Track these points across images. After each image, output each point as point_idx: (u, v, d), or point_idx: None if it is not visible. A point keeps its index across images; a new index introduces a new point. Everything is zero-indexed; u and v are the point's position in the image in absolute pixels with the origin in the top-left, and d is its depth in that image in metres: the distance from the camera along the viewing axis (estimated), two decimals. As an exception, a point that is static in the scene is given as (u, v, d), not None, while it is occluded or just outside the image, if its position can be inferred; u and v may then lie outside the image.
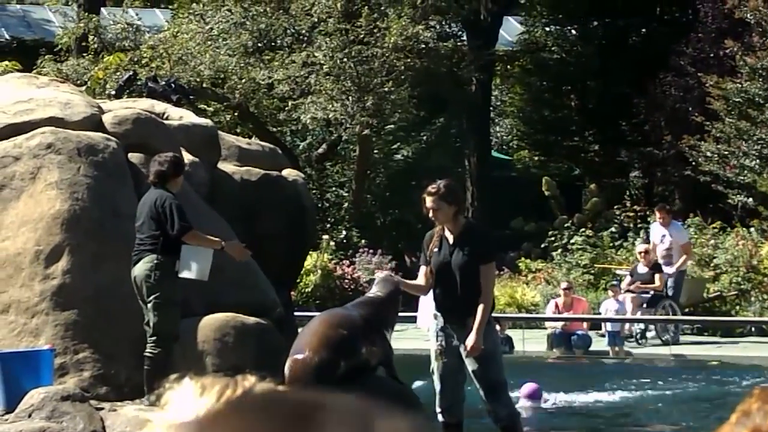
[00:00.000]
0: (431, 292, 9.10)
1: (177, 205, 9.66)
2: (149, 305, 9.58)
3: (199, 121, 13.52)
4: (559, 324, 18.58)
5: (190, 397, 1.55)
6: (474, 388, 8.90)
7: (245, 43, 25.76)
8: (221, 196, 12.51)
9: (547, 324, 18.98)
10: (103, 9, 30.07)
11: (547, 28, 31.39)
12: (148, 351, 9.54)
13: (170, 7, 32.24)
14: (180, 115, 13.22)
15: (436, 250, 8.93)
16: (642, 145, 28.19)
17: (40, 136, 11.26)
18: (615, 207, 24.95)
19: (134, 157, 11.63)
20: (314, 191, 25.77)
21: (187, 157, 12.34)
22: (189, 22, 26.29)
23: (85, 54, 25.95)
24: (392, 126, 29.41)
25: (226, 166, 13.33)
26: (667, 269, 18.86)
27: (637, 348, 18.49)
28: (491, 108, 33.23)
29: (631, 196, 27.11)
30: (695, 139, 24.17)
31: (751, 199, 23.65)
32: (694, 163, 24.51)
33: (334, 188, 29.34)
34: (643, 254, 19.00)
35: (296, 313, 14.28)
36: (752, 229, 22.45)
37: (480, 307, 8.66)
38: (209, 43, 25.61)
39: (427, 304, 9.38)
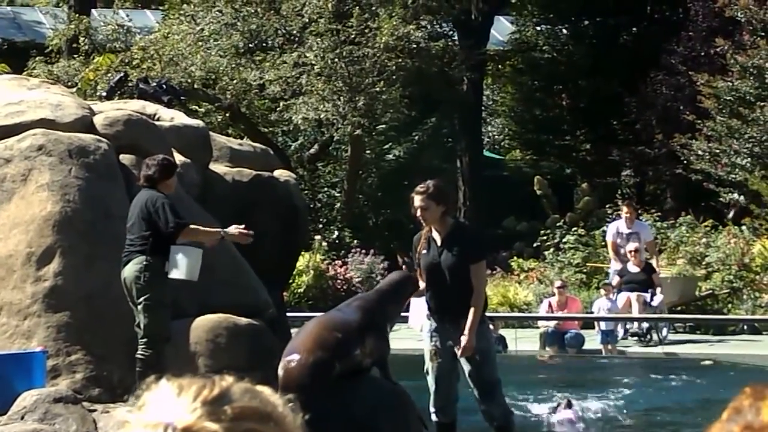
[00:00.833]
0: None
1: (169, 203, 9.63)
2: (139, 307, 9.55)
3: (191, 122, 13.51)
4: (552, 323, 18.58)
5: (167, 397, 1.54)
6: (468, 388, 8.90)
7: (236, 43, 25.76)
8: (213, 196, 12.49)
9: (540, 323, 18.98)
10: (93, 10, 30.05)
11: (538, 28, 31.42)
12: (140, 353, 9.52)
13: (161, 8, 32.23)
14: (171, 116, 13.21)
15: (424, 251, 8.93)
16: (633, 143, 28.22)
17: (31, 138, 11.24)
18: (607, 206, 24.96)
19: (125, 158, 11.61)
20: (306, 192, 25.76)
21: (179, 158, 12.33)
22: (180, 23, 26.29)
23: (75, 55, 25.94)
24: (384, 126, 29.41)
25: (218, 167, 13.31)
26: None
27: (630, 347, 18.51)
28: (483, 107, 33.25)
29: (623, 194, 27.14)
30: (687, 138, 24.19)
31: (742, 198, 23.67)
32: (685, 162, 24.53)
33: (326, 188, 29.33)
34: (633, 253, 19.00)
35: (289, 314, 14.27)
36: (744, 227, 22.48)
37: (472, 308, 8.66)
38: (200, 44, 25.60)
39: (418, 304, 9.37)
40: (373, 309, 8.77)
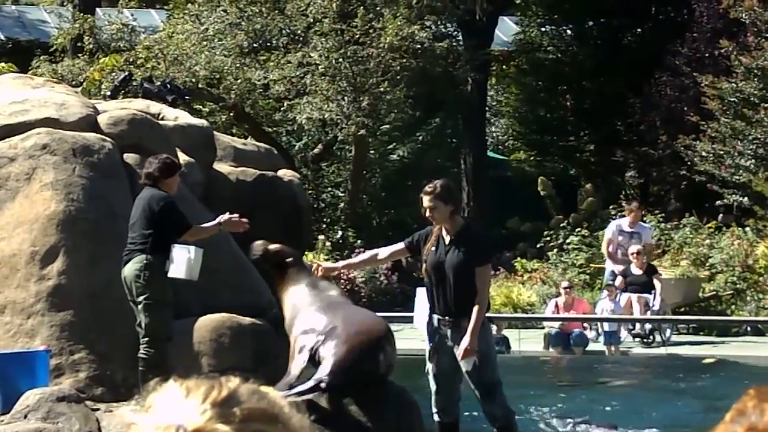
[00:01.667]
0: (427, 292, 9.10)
1: (172, 204, 9.61)
2: (140, 306, 9.52)
3: (195, 121, 13.52)
4: (557, 323, 18.58)
5: (175, 399, 1.54)
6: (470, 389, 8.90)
7: (241, 43, 25.76)
8: (217, 196, 12.50)
9: (546, 324, 18.96)
10: (98, 9, 30.07)
11: (543, 28, 31.39)
12: (142, 352, 9.50)
13: (165, 7, 32.22)
14: (175, 116, 13.22)
15: (432, 249, 8.93)
16: (637, 144, 28.19)
17: (35, 137, 11.26)
18: (611, 207, 24.92)
19: (129, 157, 11.63)
20: (310, 191, 25.76)
21: (183, 158, 12.34)
22: (184, 23, 26.29)
23: (80, 55, 25.95)
24: (388, 126, 29.40)
25: (222, 167, 13.33)
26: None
27: (633, 348, 18.51)
28: (487, 108, 33.22)
29: (627, 195, 27.11)
30: (690, 139, 24.18)
31: (746, 199, 23.66)
32: (689, 163, 24.52)
33: (329, 188, 29.33)
34: (636, 255, 19.00)
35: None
36: (747, 229, 22.47)
37: (475, 310, 8.65)
38: (204, 43, 25.60)
39: (423, 303, 9.37)
40: None
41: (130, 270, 9.55)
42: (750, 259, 21.11)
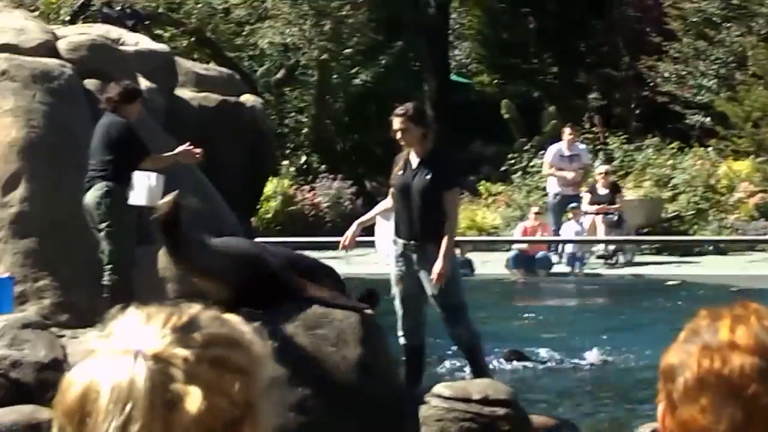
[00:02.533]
0: (389, 217, 9.11)
1: (130, 130, 9.51)
2: (102, 233, 9.47)
3: (156, 46, 13.41)
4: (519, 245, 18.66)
5: (135, 325, 1.54)
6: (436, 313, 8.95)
7: (201, -34, 25.49)
8: (179, 122, 12.43)
9: (515, 246, 19.03)
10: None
11: (505, -51, 31.22)
12: (106, 279, 9.48)
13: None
14: (136, 41, 13.10)
15: (400, 172, 8.92)
16: (600, 66, 28.20)
17: (-7, 63, 11.14)
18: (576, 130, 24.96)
19: (90, 83, 11.53)
20: (273, 117, 25.65)
21: (144, 84, 12.25)
22: (144, -54, 25.95)
23: (38, -21, 25.60)
24: (350, 50, 29.24)
25: (184, 92, 13.24)
26: (571, 189, 18.97)
27: (597, 269, 18.64)
28: (450, 31, 33.09)
29: (590, 117, 27.15)
30: (653, 60, 24.19)
31: (708, 119, 23.74)
32: (652, 84, 24.55)
33: (293, 114, 29.21)
34: (603, 175, 19.09)
35: (257, 239, 14.27)
36: (710, 149, 22.57)
37: (446, 233, 8.67)
38: (164, -33, 25.31)
39: (384, 228, 9.36)
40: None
41: (91, 197, 9.48)
42: (712, 179, 21.24)
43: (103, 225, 9.40)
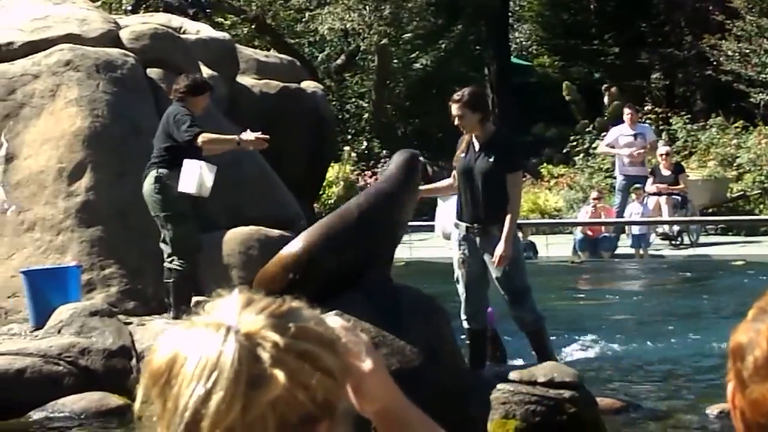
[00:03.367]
0: (450, 200, 9.09)
1: (186, 113, 9.36)
2: (160, 221, 9.43)
3: (217, 34, 13.48)
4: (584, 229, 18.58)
5: (233, 304, 1.58)
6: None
7: (260, -46, 25.56)
8: (240, 109, 12.50)
9: (575, 229, 18.94)
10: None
11: (565, -70, 31.04)
12: (173, 265, 9.45)
13: None
14: (197, 29, 13.19)
15: (462, 155, 8.90)
16: (662, 46, 27.97)
17: (58, 53, 11.25)
18: (637, 109, 24.80)
19: (153, 72, 11.61)
20: (334, 103, 25.72)
21: (206, 72, 12.32)
22: (204, -65, 26.08)
23: (99, -30, 25.81)
24: (410, 34, 29.23)
25: (245, 80, 13.31)
26: (638, 170, 18.79)
27: (661, 250, 18.52)
28: (510, 13, 32.96)
29: (653, 98, 26.95)
30: (716, 39, 23.95)
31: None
32: (715, 63, 24.31)
33: (353, 99, 29.26)
34: (664, 156, 18.94)
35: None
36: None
37: (507, 217, 8.64)
38: (224, -45, 25.41)
39: (444, 211, 9.35)
40: (384, 201, 8.48)
41: (146, 186, 9.45)
42: (778, 158, 21.00)
43: (161, 213, 9.37)
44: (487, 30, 30.78)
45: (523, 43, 36.09)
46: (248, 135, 9.27)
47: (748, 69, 23.40)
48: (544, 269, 16.53)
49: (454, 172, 9.07)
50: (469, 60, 31.44)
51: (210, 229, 10.27)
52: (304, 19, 26.52)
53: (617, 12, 29.52)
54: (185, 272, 9.32)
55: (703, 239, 18.98)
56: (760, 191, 20.44)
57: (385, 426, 1.72)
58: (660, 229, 18.92)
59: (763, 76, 23.15)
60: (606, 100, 26.61)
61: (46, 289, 9.48)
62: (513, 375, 8.00)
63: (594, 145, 22.79)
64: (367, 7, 24.97)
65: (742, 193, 20.53)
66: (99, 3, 18.78)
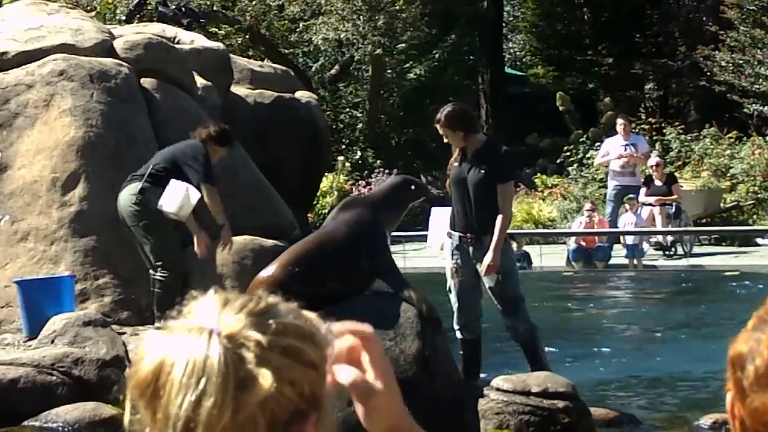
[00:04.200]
0: (447, 209, 9.09)
1: (209, 159, 9.47)
2: (140, 231, 9.36)
3: (211, 44, 13.48)
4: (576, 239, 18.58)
5: (213, 306, 1.57)
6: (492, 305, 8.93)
7: (254, -36, 25.58)
8: (235, 119, 12.48)
9: (573, 239, 18.93)
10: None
11: (559, -59, 31.10)
12: (158, 276, 9.41)
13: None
14: (191, 39, 13.18)
15: (455, 164, 8.92)
16: (656, 56, 28.02)
17: (52, 63, 11.24)
18: (630, 120, 24.84)
19: (147, 82, 11.61)
20: (328, 113, 25.72)
21: (200, 81, 12.32)
22: (197, -55, 26.09)
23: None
24: (404, 45, 29.25)
25: (239, 90, 13.30)
26: (630, 180, 18.79)
27: (655, 261, 18.53)
28: (503, 23, 33.01)
29: (647, 108, 27.00)
30: (710, 49, 23.99)
31: (766, 108, 23.52)
32: (708, 73, 24.35)
33: (347, 109, 29.26)
34: (655, 167, 18.95)
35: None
36: (768, 138, 22.36)
37: (497, 226, 8.65)
38: (218, -35, 25.43)
39: (436, 221, 9.34)
40: (365, 218, 8.56)
41: (125, 197, 9.34)
42: (772, 168, 21.02)
43: (140, 223, 9.32)
44: (481, 40, 30.81)
45: (517, 53, 36.14)
46: (227, 233, 9.63)
47: (741, 79, 23.43)
48: (538, 279, 16.52)
49: (448, 182, 9.09)
50: (462, 70, 31.47)
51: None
52: (298, 29, 26.54)
53: (611, 22, 29.57)
54: (168, 282, 9.29)
55: (696, 249, 19.00)
56: (753, 201, 20.47)
57: None
58: (654, 240, 18.93)
59: (757, 86, 23.18)
60: (599, 110, 26.64)
61: (39, 299, 9.46)
62: (507, 385, 7.99)
63: (588, 155, 22.81)
64: (361, 18, 24.99)
65: (735, 203, 20.55)
66: (93, 13, 18.79)
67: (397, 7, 25.17)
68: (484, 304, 9.03)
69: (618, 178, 18.93)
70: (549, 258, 18.29)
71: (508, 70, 33.05)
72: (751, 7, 23.26)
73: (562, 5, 31.65)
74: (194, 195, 9.28)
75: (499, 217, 8.69)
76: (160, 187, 9.28)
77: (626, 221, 18.68)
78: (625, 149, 18.84)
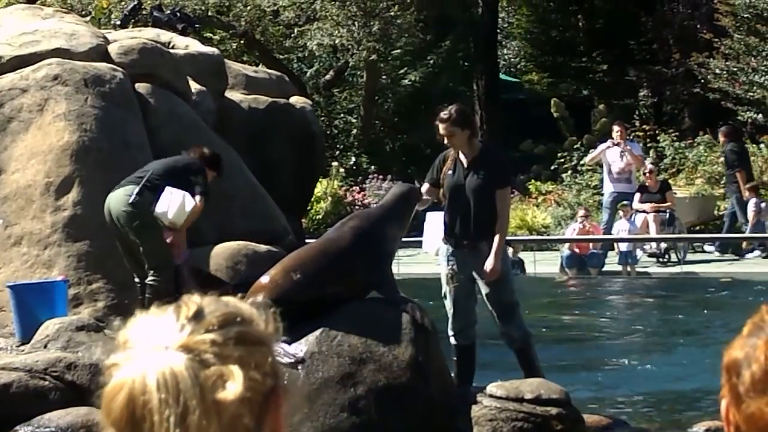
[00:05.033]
0: (442, 215, 9.08)
1: (205, 174, 9.54)
2: (133, 232, 9.35)
3: (205, 49, 13.47)
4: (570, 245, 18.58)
5: (149, 325, 1.57)
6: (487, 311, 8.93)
7: (249, -31, 25.57)
8: (229, 124, 12.48)
9: (567, 246, 18.93)
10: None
11: (553, -53, 31.13)
12: (150, 281, 9.40)
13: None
14: (186, 44, 13.17)
15: (450, 172, 8.90)
16: (650, 63, 28.04)
17: (46, 68, 11.23)
18: (626, 126, 24.85)
19: (141, 87, 11.60)
20: (322, 118, 25.72)
21: (194, 86, 12.31)
22: (192, -50, 26.07)
23: (88, -16, 25.77)
24: (399, 50, 29.26)
25: (234, 95, 13.29)
26: (625, 187, 18.78)
27: (649, 267, 18.54)
28: (498, 30, 33.03)
29: (641, 115, 27.01)
30: (704, 57, 24.02)
31: (760, 116, 23.55)
32: (703, 81, 24.38)
33: (342, 115, 29.26)
34: (648, 174, 18.96)
35: (307, 240, 14.30)
36: (762, 146, 22.38)
37: (498, 231, 8.66)
38: (213, -30, 25.42)
39: (432, 227, 9.34)
40: (371, 229, 8.60)
41: (120, 197, 9.34)
42: (765, 175, 21.05)
43: (133, 223, 9.31)
44: (475, 46, 30.84)
45: (512, 59, 36.16)
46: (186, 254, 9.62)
47: (735, 87, 23.46)
48: (531, 286, 16.52)
49: (427, 185, 9.08)
50: (457, 76, 31.49)
51: (197, 243, 10.25)
52: (293, 35, 26.54)
53: (605, 29, 29.59)
54: (160, 288, 9.26)
55: (690, 257, 19.01)
56: (747, 209, 20.47)
57: None
58: (647, 247, 18.94)
59: (751, 94, 23.21)
60: (593, 117, 26.65)
61: (32, 304, 9.45)
62: (500, 391, 7.99)
63: (582, 162, 22.83)
64: (356, 23, 25.00)
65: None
66: (88, 18, 18.79)
67: (392, 13, 25.18)
68: (479, 312, 9.03)
69: (614, 184, 18.94)
70: (543, 265, 18.30)
71: (502, 76, 33.07)
72: (745, 15, 23.29)
73: (556, 12, 31.68)
74: (189, 203, 9.30)
75: (499, 223, 8.70)
76: (153, 193, 9.28)
77: (620, 228, 18.69)
78: (622, 156, 18.83)
